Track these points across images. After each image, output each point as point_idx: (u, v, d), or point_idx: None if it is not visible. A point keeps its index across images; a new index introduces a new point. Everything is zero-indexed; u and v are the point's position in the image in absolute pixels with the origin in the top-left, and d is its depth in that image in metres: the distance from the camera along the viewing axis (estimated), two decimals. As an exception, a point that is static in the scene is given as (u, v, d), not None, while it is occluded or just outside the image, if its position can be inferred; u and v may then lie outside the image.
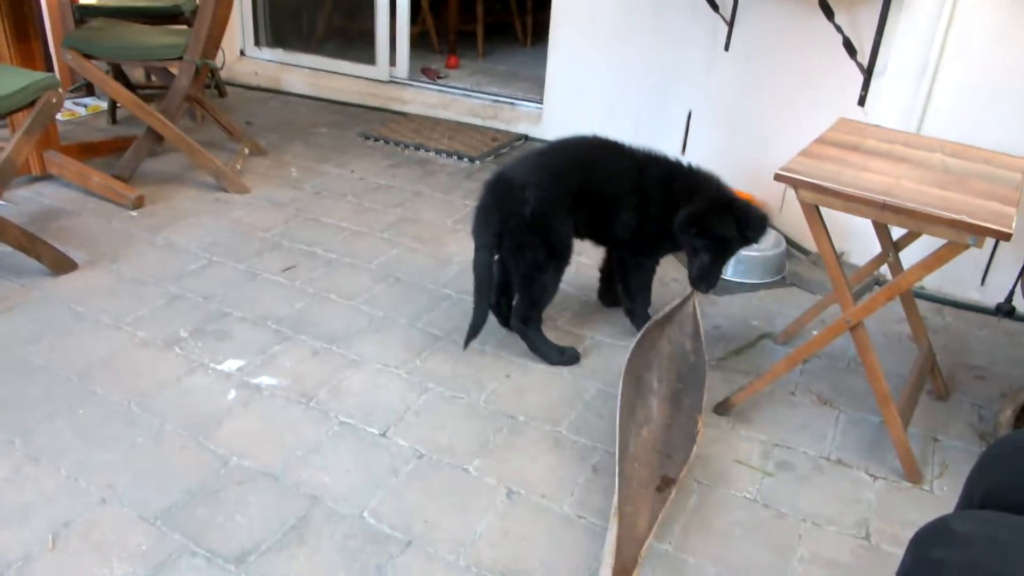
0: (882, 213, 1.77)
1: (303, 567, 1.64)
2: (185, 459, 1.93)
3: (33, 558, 1.63)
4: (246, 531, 1.72)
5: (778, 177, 1.86)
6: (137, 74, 4.62)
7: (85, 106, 4.51)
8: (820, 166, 1.91)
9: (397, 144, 4.18)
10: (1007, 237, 1.67)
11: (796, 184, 1.85)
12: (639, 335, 2.26)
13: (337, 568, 1.64)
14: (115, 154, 3.59)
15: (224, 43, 4.54)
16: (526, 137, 4.39)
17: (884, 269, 2.42)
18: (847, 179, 1.84)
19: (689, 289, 2.44)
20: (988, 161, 2.06)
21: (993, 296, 2.77)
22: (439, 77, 5.10)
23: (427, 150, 4.11)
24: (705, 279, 2.32)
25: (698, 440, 1.92)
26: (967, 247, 1.73)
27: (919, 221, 1.74)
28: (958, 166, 2.01)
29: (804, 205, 1.88)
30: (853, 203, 1.79)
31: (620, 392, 2.01)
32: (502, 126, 4.48)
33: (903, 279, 1.89)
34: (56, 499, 1.79)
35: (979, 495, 1.02)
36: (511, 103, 4.67)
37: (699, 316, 2.37)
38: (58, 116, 4.14)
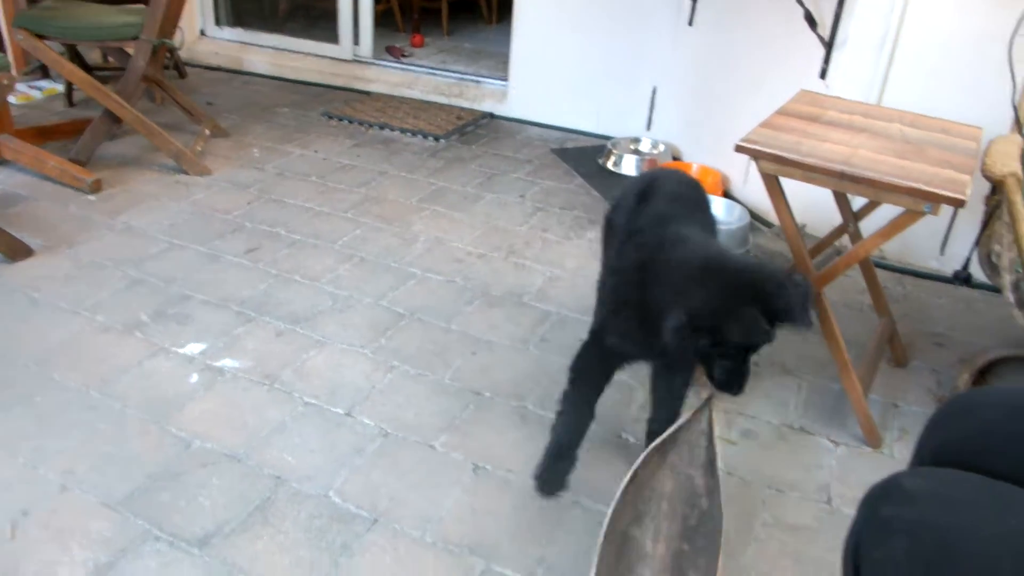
0: (840, 182, 1.78)
1: (268, 547, 1.63)
2: (147, 443, 1.91)
3: (-8, 546, 1.61)
4: (209, 514, 1.71)
5: (738, 148, 1.87)
6: (94, 55, 4.52)
7: (40, 89, 4.41)
8: (780, 137, 1.92)
9: (361, 124, 4.14)
10: (961, 204, 1.69)
11: (756, 155, 1.85)
12: (634, 466, 1.62)
13: (302, 547, 1.64)
14: (72, 137, 3.52)
15: (183, 22, 4.47)
16: (491, 115, 4.37)
17: (846, 240, 2.44)
18: (806, 149, 1.85)
19: (704, 393, 1.89)
20: (945, 131, 2.08)
21: (952, 265, 2.82)
22: (403, 56, 5.05)
23: (391, 129, 4.08)
24: (736, 381, 1.55)
25: None
26: (923, 214, 1.75)
27: (877, 190, 1.76)
28: (916, 136, 2.02)
29: (765, 176, 1.89)
30: (812, 173, 1.80)
31: (595, 558, 1.45)
32: (467, 104, 4.45)
33: (861, 247, 1.90)
34: (14, 487, 1.76)
35: (929, 453, 1.04)
36: (476, 81, 4.64)
37: (716, 439, 1.71)
38: (12, 99, 4.05)
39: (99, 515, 1.69)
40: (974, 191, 1.79)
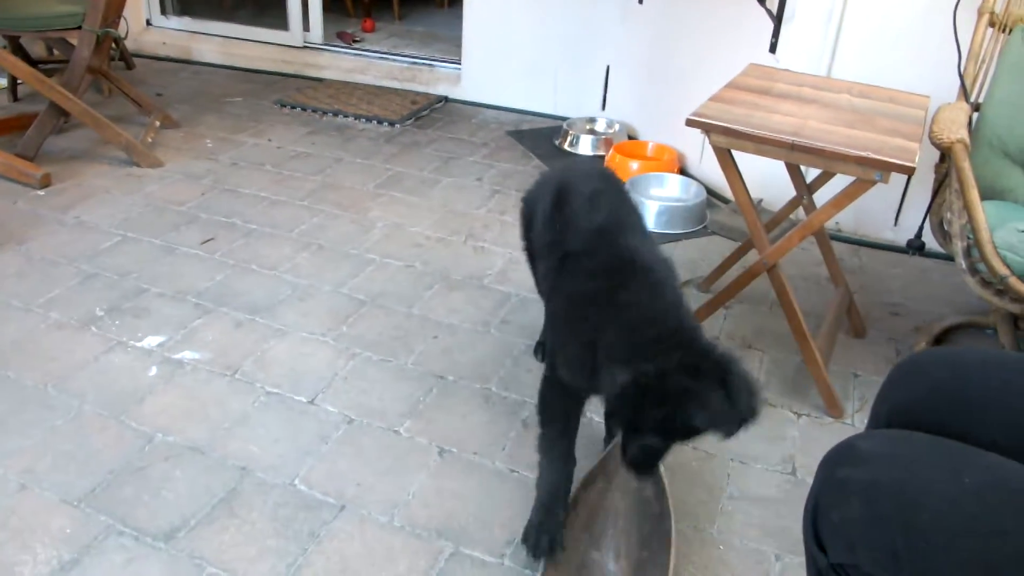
0: (791, 153, 1.81)
1: (235, 539, 1.62)
2: (107, 439, 1.88)
3: (-51, 550, 1.58)
4: (174, 507, 1.69)
5: (689, 122, 1.88)
6: (38, 48, 4.41)
7: (-18, 85, 4.29)
8: (730, 110, 1.94)
9: (315, 111, 4.09)
10: (911, 171, 1.72)
11: (707, 128, 1.87)
12: (573, 494, 1.63)
13: (269, 537, 1.63)
14: (17, 133, 3.42)
15: (128, 12, 4.37)
16: (446, 99, 4.34)
17: (801, 214, 2.47)
18: (757, 121, 1.87)
19: None
20: (893, 100, 2.12)
21: (906, 235, 2.87)
22: (355, 41, 4.99)
23: (346, 116, 4.04)
24: (652, 462, 1.41)
25: None
26: (874, 183, 1.78)
27: (827, 159, 1.78)
28: (865, 105, 2.05)
29: (717, 150, 1.91)
30: (763, 145, 1.82)
31: None
32: (421, 88, 4.42)
33: (815, 217, 1.93)
34: (-29, 489, 1.72)
35: (884, 415, 1.06)
36: (429, 65, 4.61)
37: None
38: (-46, 96, 3.94)
39: (60, 513, 1.67)
40: (923, 160, 1.83)
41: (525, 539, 1.59)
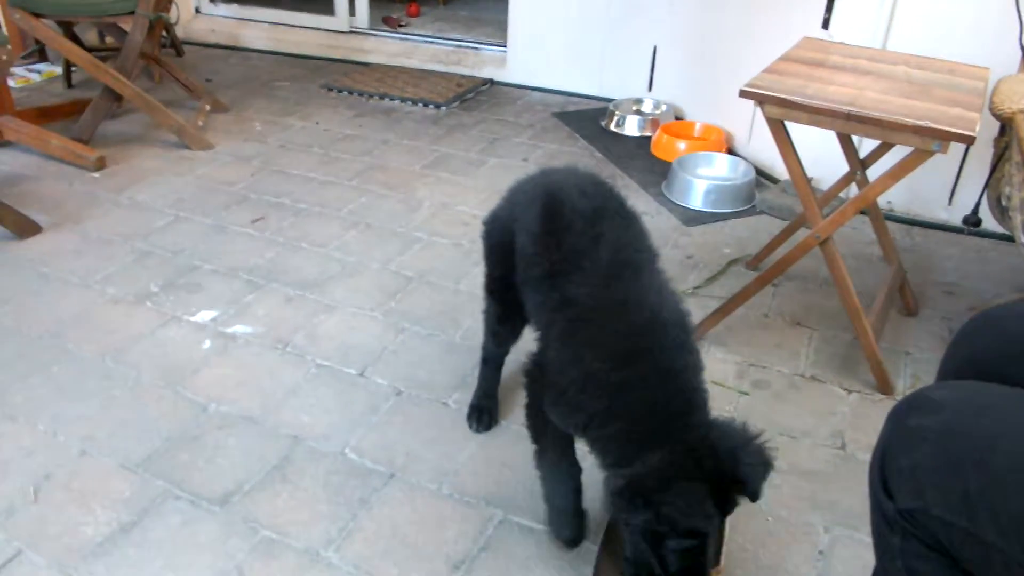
0: (847, 123, 1.77)
1: (287, 503, 1.65)
2: (163, 408, 1.92)
3: (16, 510, 1.63)
4: (228, 473, 1.73)
5: (743, 93, 1.86)
6: (90, 37, 4.50)
7: (39, 72, 4.39)
8: (785, 81, 1.91)
9: (361, 94, 4.12)
10: (971, 141, 1.68)
11: (761, 99, 1.84)
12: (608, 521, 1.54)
13: (321, 502, 1.65)
14: (72, 118, 3.51)
15: (178, 0, 4.44)
16: (491, 82, 4.34)
17: (853, 191, 2.43)
18: (812, 92, 1.84)
19: None
20: (952, 72, 2.07)
21: (961, 215, 2.80)
22: (400, 25, 5.02)
23: (392, 99, 4.06)
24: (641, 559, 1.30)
25: None
26: (932, 153, 1.74)
27: (884, 130, 1.75)
28: (922, 77, 2.01)
29: (770, 121, 1.88)
30: (818, 115, 1.79)
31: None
32: (467, 71, 4.43)
33: (870, 190, 1.90)
34: (35, 453, 1.78)
35: (953, 369, 1.04)
36: (475, 48, 4.61)
37: None
38: (11, 83, 4.04)
39: (119, 477, 1.71)
40: (982, 135, 1.78)
41: (551, 524, 1.57)
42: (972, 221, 2.40)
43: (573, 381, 1.34)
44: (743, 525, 1.63)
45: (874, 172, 2.23)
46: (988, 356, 1.00)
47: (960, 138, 1.68)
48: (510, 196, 1.68)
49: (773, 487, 1.73)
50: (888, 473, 0.89)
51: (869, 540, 1.56)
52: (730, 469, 1.23)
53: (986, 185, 2.27)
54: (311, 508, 1.64)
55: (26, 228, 2.70)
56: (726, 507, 1.28)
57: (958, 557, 0.83)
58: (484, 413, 1.87)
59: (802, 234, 2.37)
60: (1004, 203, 2.15)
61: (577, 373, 1.34)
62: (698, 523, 1.22)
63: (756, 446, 1.27)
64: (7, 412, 1.90)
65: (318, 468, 1.74)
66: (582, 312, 1.38)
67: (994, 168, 2.20)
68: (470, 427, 1.87)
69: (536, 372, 1.49)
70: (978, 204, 2.38)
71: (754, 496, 1.26)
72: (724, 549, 1.46)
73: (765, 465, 1.27)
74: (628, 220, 1.52)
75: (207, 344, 2.15)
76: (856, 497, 1.71)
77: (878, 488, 0.90)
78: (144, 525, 1.60)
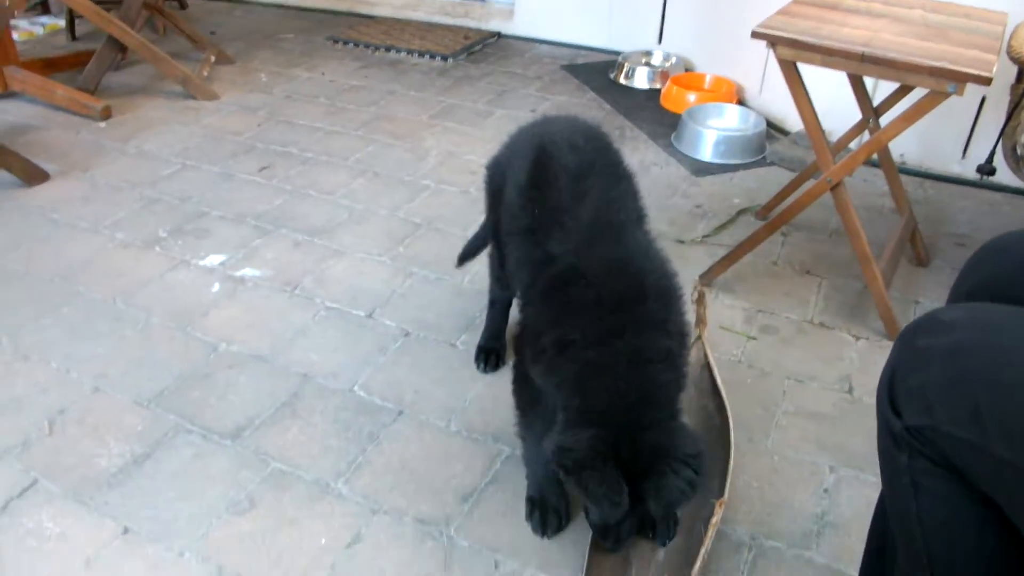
0: (861, 65, 1.75)
1: (297, 438, 1.67)
2: (174, 348, 1.93)
3: (32, 443, 1.65)
4: (239, 409, 1.74)
5: (755, 35, 1.83)
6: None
7: (42, 25, 4.36)
8: (798, 23, 1.89)
9: (367, 46, 4.09)
10: (987, 82, 1.66)
11: (774, 40, 1.82)
12: None
13: (331, 437, 1.67)
14: (77, 69, 3.49)
15: (182, -51, 4.39)
16: (499, 34, 4.30)
17: (866, 139, 2.41)
18: (826, 33, 1.82)
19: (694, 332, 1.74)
20: (968, 16, 2.04)
21: (975, 168, 2.77)
22: (407, -22, 4.95)
23: (398, 51, 4.02)
24: (611, 537, 1.35)
25: (710, 534, 1.36)
26: (947, 96, 1.72)
27: (898, 71, 1.73)
28: (938, 20, 1.98)
29: (783, 64, 1.86)
30: (832, 57, 1.77)
31: None
32: (474, 24, 4.38)
33: (883, 133, 1.88)
34: (49, 390, 1.79)
35: (965, 294, 1.03)
36: (482, 0, 4.56)
37: (713, 363, 1.74)
38: (16, 36, 4.01)
39: (132, 412, 1.73)
40: (998, 81, 1.76)
41: (529, 516, 1.50)
42: (986, 170, 2.37)
43: (552, 344, 1.30)
44: (750, 463, 1.64)
45: (887, 121, 2.21)
46: (999, 280, 1.00)
47: (977, 79, 1.66)
48: (509, 142, 1.66)
49: (780, 428, 1.75)
50: (896, 393, 0.88)
51: (874, 480, 1.59)
52: (649, 477, 1.21)
53: (1001, 133, 2.24)
54: (321, 442, 1.66)
55: (34, 175, 2.70)
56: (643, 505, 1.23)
57: (966, 473, 0.83)
58: (491, 354, 1.88)
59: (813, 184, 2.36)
60: (1020, 151, 2.13)
61: (555, 338, 1.30)
62: (603, 507, 1.22)
63: (688, 468, 1.22)
64: (20, 351, 1.91)
65: (327, 405, 1.76)
66: (563, 271, 1.33)
67: (1010, 116, 2.18)
68: (477, 368, 1.88)
69: (520, 333, 1.45)
70: (993, 152, 2.35)
71: (654, 512, 1.25)
72: (729, 481, 1.47)
73: (680, 491, 1.21)
74: (617, 178, 1.48)
75: (216, 287, 2.16)
76: (862, 439, 1.71)
77: (886, 407, 0.90)
78: (157, 457, 1.62)
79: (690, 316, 1.47)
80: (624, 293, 1.29)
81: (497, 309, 1.89)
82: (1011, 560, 0.85)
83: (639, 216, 1.46)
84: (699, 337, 1.76)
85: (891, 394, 0.89)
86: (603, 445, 1.21)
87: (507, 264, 1.54)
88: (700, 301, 1.75)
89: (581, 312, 1.29)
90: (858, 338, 2.05)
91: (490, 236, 1.76)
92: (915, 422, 0.85)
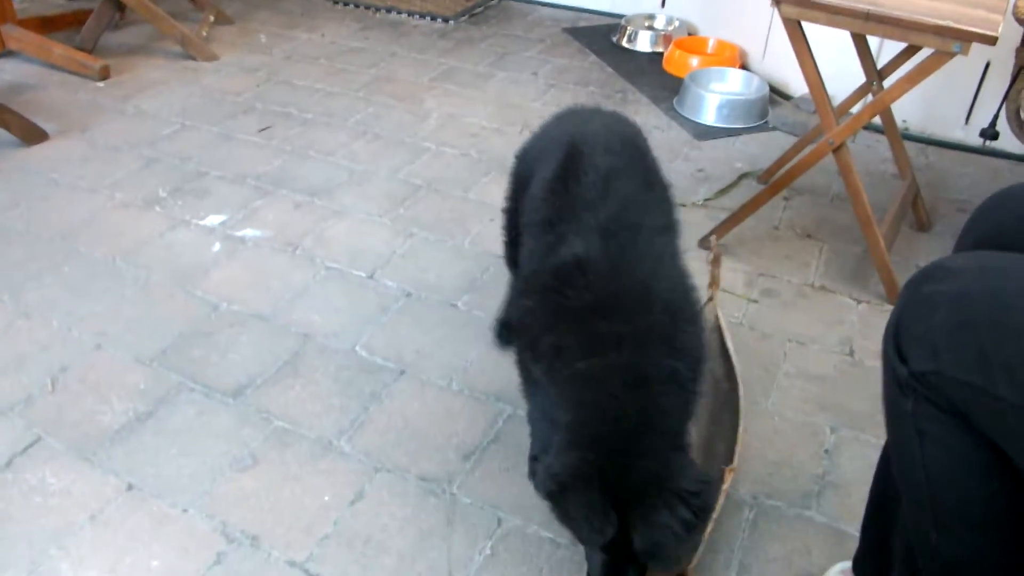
0: (866, 24, 1.74)
1: (299, 396, 1.67)
2: (175, 307, 1.93)
3: (34, 400, 1.66)
4: (241, 367, 1.75)
5: (761, -7, 1.81)
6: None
7: (39, -18, 4.30)
8: (804, -18, 1.86)
9: (367, 8, 4.04)
10: (992, 41, 1.65)
11: (779, -2, 1.80)
12: None
13: (333, 396, 1.68)
14: (75, 28, 3.45)
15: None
16: (501, -4, 4.25)
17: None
18: (831, -9, 1.79)
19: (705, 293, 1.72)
20: (975, -24, 2.01)
21: (977, 136, 2.76)
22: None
23: (399, 12, 3.98)
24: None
25: (720, 500, 1.33)
26: (952, 56, 1.71)
27: (904, 30, 1.71)
28: (944, -20, 1.96)
29: (787, 22, 1.84)
30: (836, 15, 1.75)
31: None
32: (476, -14, 4.32)
33: (886, 94, 1.87)
34: (51, 347, 1.80)
35: (970, 244, 1.03)
36: (484, -38, 4.49)
37: (724, 326, 1.75)
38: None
39: (134, 370, 1.73)
40: (1003, 44, 1.74)
41: (532, 474, 1.46)
42: (989, 134, 2.36)
43: (549, 347, 1.20)
44: (751, 424, 1.65)
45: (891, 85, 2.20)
46: (1004, 230, 1.00)
47: (982, 38, 1.64)
48: (540, 133, 1.57)
49: (780, 390, 1.75)
50: (902, 339, 0.88)
51: (874, 440, 1.60)
52: (637, 511, 1.09)
53: (1005, 97, 2.23)
54: (323, 401, 1.66)
55: (33, 135, 2.68)
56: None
57: (971, 417, 0.84)
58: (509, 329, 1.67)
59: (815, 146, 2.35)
60: (1023, 116, 2.12)
61: (551, 341, 1.19)
62: (583, 533, 1.12)
63: (684, 507, 1.08)
64: (21, 309, 1.92)
65: (329, 364, 1.76)
66: (566, 265, 1.22)
67: (1014, 79, 2.17)
68: (499, 344, 1.72)
69: (520, 324, 1.35)
70: (996, 116, 2.34)
71: (638, 551, 1.10)
72: (738, 448, 1.48)
73: (670, 531, 1.08)
74: (649, 184, 1.37)
75: (216, 247, 2.16)
76: (863, 400, 1.72)
77: (892, 354, 0.90)
78: (159, 415, 1.62)
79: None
80: (626, 300, 1.17)
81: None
82: (1014, 503, 0.86)
83: (667, 226, 1.33)
84: (711, 299, 1.76)
85: (897, 341, 0.89)
86: (589, 468, 1.09)
87: (520, 257, 1.44)
88: (715, 262, 1.74)
89: (577, 315, 1.17)
90: (859, 301, 2.05)
91: (506, 224, 1.63)
92: (921, 368, 0.85)
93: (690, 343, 1.18)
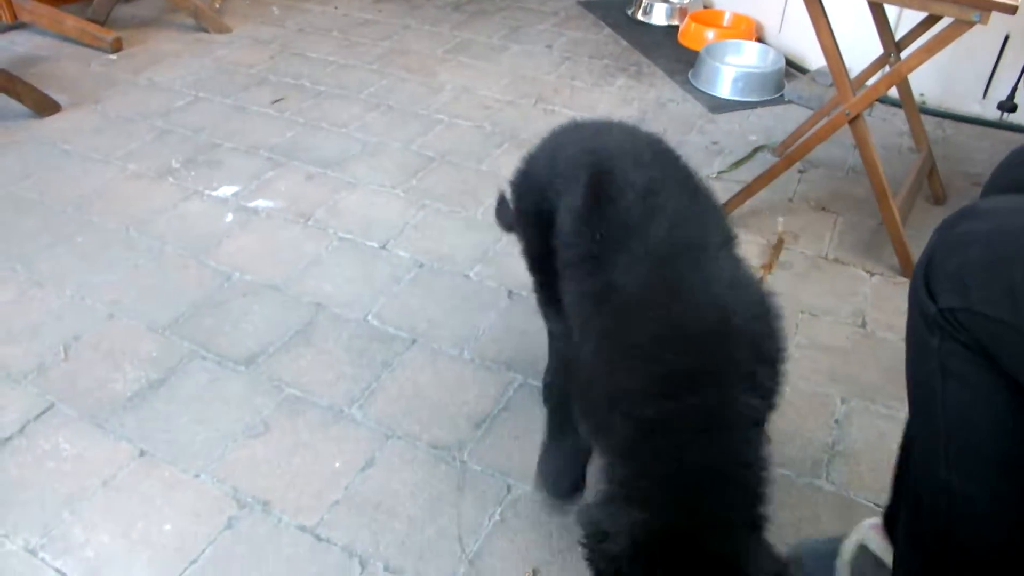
0: (885, -9, 1.71)
1: (311, 365, 1.68)
2: (187, 276, 1.94)
3: (48, 368, 1.67)
4: (253, 336, 1.75)
5: (778, -40, 1.79)
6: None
7: (52, -45, 4.29)
8: (822, -52, 1.83)
9: (381, -20, 4.01)
10: (1012, 10, 1.62)
11: (797, -34, 1.77)
12: None
13: (345, 364, 1.68)
14: (87, 0, 3.45)
15: None
16: (515, -31, 4.21)
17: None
18: (850, -42, 1.77)
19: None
20: (996, -57, 1.97)
21: (995, 109, 2.73)
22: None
23: (412, -15, 3.95)
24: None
25: None
26: (971, 25, 1.68)
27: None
28: (965, -52, 1.92)
29: (805, -10, 1.82)
30: (856, -18, 1.73)
31: None
32: (489, -42, 4.28)
33: (904, 64, 1.84)
34: (64, 316, 1.81)
35: (999, 190, 1.02)
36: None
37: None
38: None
39: (147, 339, 1.74)
40: (1021, 22, 1.71)
41: (546, 400, 1.41)
42: (1008, 106, 2.33)
43: (604, 398, 1.05)
44: (761, 394, 1.64)
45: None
46: None
47: (1001, 7, 1.62)
48: (549, 151, 1.34)
49: (792, 360, 1.74)
50: (932, 276, 0.88)
51: (884, 411, 1.60)
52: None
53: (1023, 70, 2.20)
54: (335, 369, 1.67)
55: (46, 106, 2.68)
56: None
57: (997, 355, 0.83)
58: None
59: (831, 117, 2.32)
60: (1042, 86, 2.09)
61: (608, 390, 1.04)
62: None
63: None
64: (34, 278, 1.93)
65: (341, 333, 1.77)
66: (626, 303, 1.06)
67: (1034, 50, 2.13)
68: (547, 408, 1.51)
69: (570, 373, 1.20)
70: (1015, 89, 2.32)
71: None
72: None
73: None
74: (694, 192, 1.20)
75: (229, 217, 2.16)
76: (874, 371, 1.72)
77: (921, 292, 0.89)
78: (172, 383, 1.63)
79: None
80: (700, 332, 1.00)
81: (558, 339, 1.48)
82: None
83: (726, 238, 1.15)
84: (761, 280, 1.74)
85: (927, 279, 0.88)
86: (648, 538, 0.91)
87: (564, 301, 1.25)
88: (778, 246, 1.71)
89: (642, 356, 1.01)
90: (872, 274, 2.03)
91: (531, 268, 1.43)
92: (950, 304, 0.85)
93: (773, 378, 1.02)
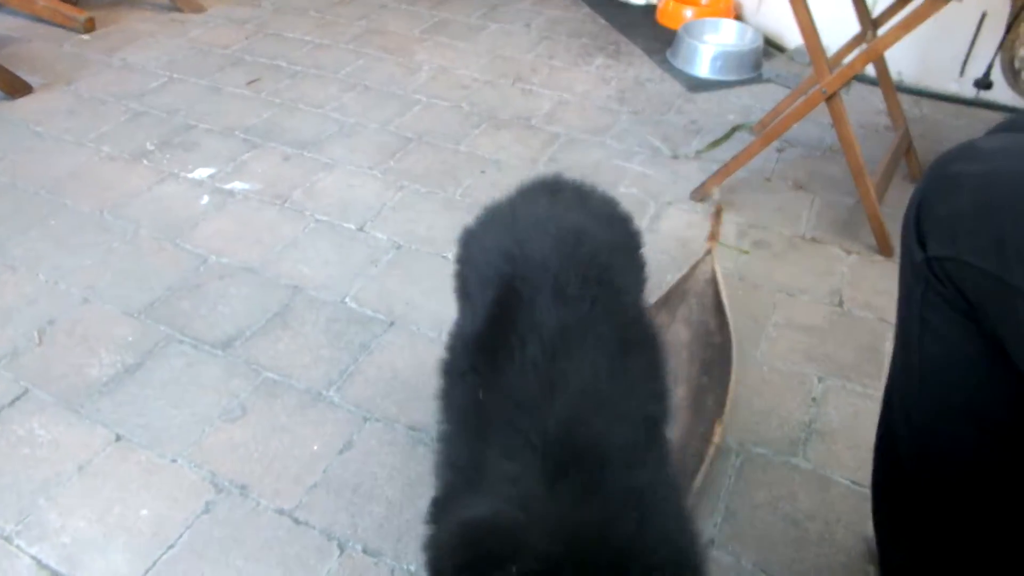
0: (862, -31, 1.71)
1: (289, 348, 1.67)
2: (163, 259, 1.92)
3: (21, 353, 1.65)
4: (230, 320, 1.74)
5: (755, -63, 1.78)
6: None
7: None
8: (799, -74, 1.83)
9: (358, -42, 3.97)
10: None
11: (774, -57, 1.76)
12: None
13: (323, 347, 1.68)
14: (59, -22, 3.39)
15: None
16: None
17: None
18: (826, -64, 1.76)
19: (704, 246, 1.76)
20: (973, -79, 1.98)
21: (972, 88, 2.74)
22: None
23: (390, -37, 3.91)
24: None
25: (710, 453, 1.32)
26: (948, 1, 1.68)
27: (899, -25, 1.68)
28: (942, -75, 1.92)
29: (782, -32, 1.81)
30: (832, -40, 1.72)
31: None
32: (467, -64, 4.24)
33: (880, 42, 1.84)
34: (37, 301, 1.79)
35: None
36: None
37: (720, 280, 1.73)
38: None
39: (122, 323, 1.73)
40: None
41: None
42: (984, 83, 2.33)
43: None
44: (740, 374, 1.65)
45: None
46: None
47: (978, -17, 1.62)
48: (483, 226, 1.16)
49: (770, 340, 1.75)
50: (923, 222, 0.85)
51: (861, 389, 1.61)
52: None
53: (1000, 46, 2.20)
54: (312, 352, 1.66)
55: (17, 87, 2.64)
56: None
57: (979, 307, 0.80)
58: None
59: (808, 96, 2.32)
60: (1018, 65, 2.10)
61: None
62: None
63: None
64: (7, 263, 1.90)
65: (318, 316, 1.76)
66: (487, 537, 0.77)
67: (1009, 28, 2.13)
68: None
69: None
70: (991, 66, 2.31)
71: None
72: (728, 402, 1.48)
73: None
74: (627, 348, 0.91)
75: (205, 200, 2.14)
76: (851, 350, 1.73)
77: (911, 238, 0.86)
78: (148, 367, 1.62)
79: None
80: None
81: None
82: (998, 396, 0.84)
83: (653, 426, 0.89)
84: (709, 252, 1.76)
85: (918, 222, 0.86)
86: None
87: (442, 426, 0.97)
88: (717, 216, 1.73)
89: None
90: (849, 252, 2.05)
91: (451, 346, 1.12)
92: (938, 253, 0.82)
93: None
